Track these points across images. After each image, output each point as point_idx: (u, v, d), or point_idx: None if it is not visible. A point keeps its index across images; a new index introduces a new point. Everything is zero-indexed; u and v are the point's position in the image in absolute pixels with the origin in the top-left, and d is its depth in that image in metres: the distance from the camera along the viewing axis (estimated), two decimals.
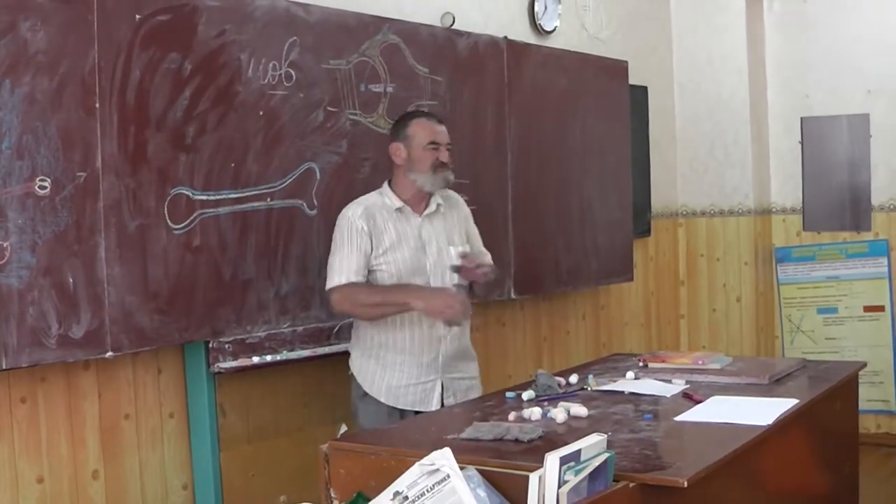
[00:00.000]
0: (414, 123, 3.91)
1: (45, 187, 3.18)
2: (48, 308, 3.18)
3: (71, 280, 3.24)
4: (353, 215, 3.84)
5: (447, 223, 4.01)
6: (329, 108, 4.10)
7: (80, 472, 3.48)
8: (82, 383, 3.49)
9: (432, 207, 3.96)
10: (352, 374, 3.91)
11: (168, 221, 3.53)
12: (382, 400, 3.83)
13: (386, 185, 3.96)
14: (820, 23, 6.97)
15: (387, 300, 3.76)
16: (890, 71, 6.71)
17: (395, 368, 3.84)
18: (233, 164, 3.74)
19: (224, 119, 3.71)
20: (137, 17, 3.43)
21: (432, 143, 3.88)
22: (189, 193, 3.60)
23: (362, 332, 3.90)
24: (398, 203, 3.89)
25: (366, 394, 3.85)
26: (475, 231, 4.19)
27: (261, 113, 3.84)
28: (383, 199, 3.91)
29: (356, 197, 4.16)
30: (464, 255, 3.88)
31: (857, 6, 6.83)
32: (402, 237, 3.86)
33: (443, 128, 3.95)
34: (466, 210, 4.17)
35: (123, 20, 3.39)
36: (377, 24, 4.34)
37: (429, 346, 3.87)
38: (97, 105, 3.31)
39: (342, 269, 3.78)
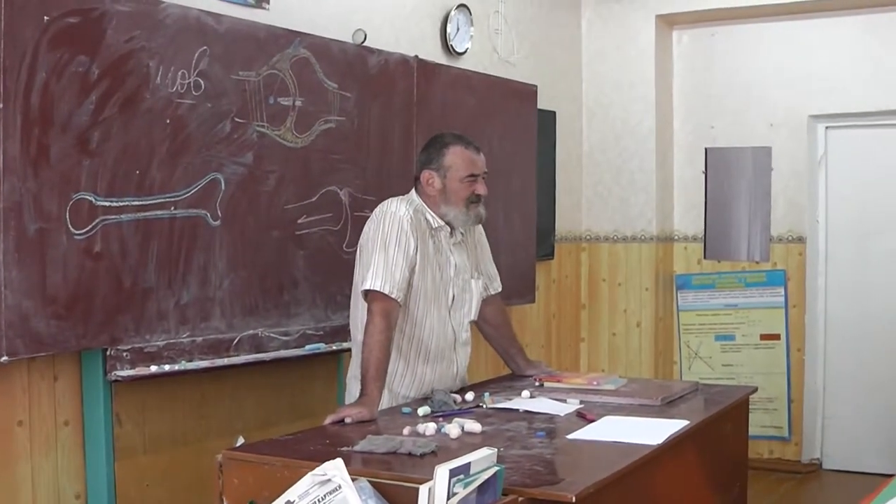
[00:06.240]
0: (451, 152, 3.72)
1: None
2: None
3: None
4: (404, 216, 3.61)
5: (468, 251, 3.91)
6: (237, 120, 4.09)
7: None
8: None
9: (457, 237, 3.83)
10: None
11: (69, 226, 3.48)
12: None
13: (417, 196, 3.77)
14: (726, 56, 7.16)
15: (365, 377, 3.46)
16: (791, 105, 6.91)
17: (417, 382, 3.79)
18: (137, 172, 3.71)
19: (130, 125, 3.67)
20: (46, 18, 3.38)
21: (470, 175, 3.70)
22: (92, 199, 3.56)
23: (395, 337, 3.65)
24: (438, 222, 3.73)
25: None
26: (487, 253, 4.08)
27: (168, 121, 3.81)
28: (425, 211, 3.72)
29: (261, 209, 4.11)
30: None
31: (761, 42, 7.03)
32: (434, 258, 3.71)
33: (481, 156, 3.76)
34: (481, 232, 4.04)
35: (31, 20, 3.35)
36: (288, 37, 4.35)
37: (446, 382, 3.87)
38: (0, 105, 3.26)
39: (387, 276, 3.52)
